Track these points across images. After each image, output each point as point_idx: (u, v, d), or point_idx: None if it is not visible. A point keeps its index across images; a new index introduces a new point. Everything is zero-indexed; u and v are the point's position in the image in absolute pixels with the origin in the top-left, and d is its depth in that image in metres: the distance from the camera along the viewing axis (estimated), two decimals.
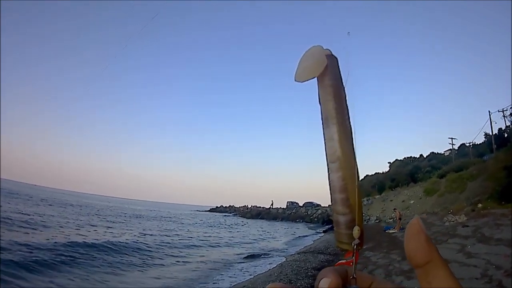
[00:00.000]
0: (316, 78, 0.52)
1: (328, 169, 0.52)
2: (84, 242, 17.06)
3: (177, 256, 18.15)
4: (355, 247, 0.50)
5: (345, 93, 0.52)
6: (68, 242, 16.35)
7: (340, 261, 0.51)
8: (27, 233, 17.98)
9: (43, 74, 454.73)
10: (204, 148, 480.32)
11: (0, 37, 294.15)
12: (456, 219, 19.73)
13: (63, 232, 20.54)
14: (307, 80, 0.52)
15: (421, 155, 63.73)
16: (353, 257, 0.50)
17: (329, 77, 0.52)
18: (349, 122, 0.51)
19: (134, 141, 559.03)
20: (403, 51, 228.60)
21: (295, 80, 0.53)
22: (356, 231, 0.50)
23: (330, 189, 0.52)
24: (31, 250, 13.53)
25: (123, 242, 18.85)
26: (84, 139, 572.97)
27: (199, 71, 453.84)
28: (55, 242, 15.85)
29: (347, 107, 0.52)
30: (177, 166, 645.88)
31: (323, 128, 0.52)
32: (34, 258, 12.42)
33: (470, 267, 9.58)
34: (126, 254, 16.49)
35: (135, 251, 17.43)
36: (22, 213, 26.44)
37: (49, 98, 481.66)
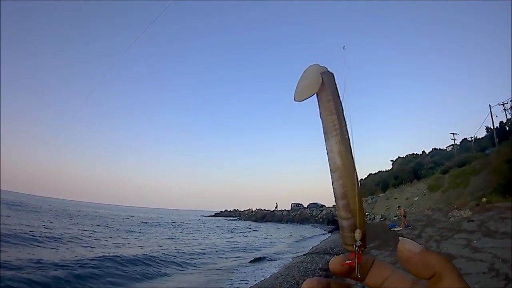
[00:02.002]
0: (316, 95, 0.57)
1: (331, 178, 0.56)
2: (95, 256, 16.61)
3: (181, 264, 18.00)
4: (356, 248, 0.54)
5: (342, 106, 0.56)
6: (82, 257, 15.91)
7: (345, 262, 0.55)
8: (33, 246, 17.87)
9: (43, 83, 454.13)
10: (206, 153, 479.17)
11: (0, 42, 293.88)
12: (461, 214, 19.69)
13: (75, 245, 20.26)
14: (306, 99, 0.57)
15: (423, 152, 63.69)
16: (356, 258, 0.54)
17: (325, 93, 0.56)
18: (347, 134, 0.55)
19: (134, 148, 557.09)
20: (403, 48, 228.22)
21: (295, 100, 0.58)
22: (357, 234, 0.54)
23: (334, 196, 0.56)
24: (43, 266, 13.21)
25: (130, 255, 18.55)
26: (83, 147, 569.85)
27: (198, 76, 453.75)
28: (67, 257, 15.58)
29: (344, 120, 0.56)
30: (180, 171, 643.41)
31: (325, 141, 0.57)
32: (43, 275, 12.14)
33: (477, 261, 9.55)
34: (136, 265, 16.11)
35: (144, 262, 16.94)
36: (28, 225, 26.26)
37: (48, 106, 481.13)
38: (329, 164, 0.56)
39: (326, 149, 0.57)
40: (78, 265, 14.22)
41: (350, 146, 0.56)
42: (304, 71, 0.59)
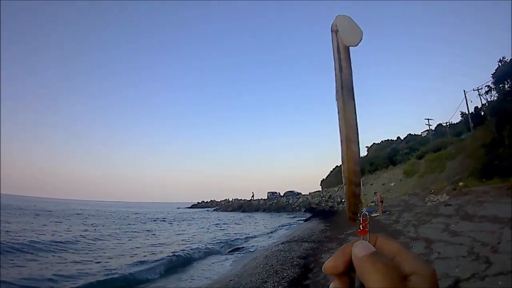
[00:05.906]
0: (340, 46, 0.52)
1: (346, 141, 0.52)
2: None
3: (157, 258, 17.19)
4: (366, 214, 0.57)
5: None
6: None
7: (359, 230, 0.57)
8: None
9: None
10: (181, 145, 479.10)
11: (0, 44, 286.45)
12: (438, 199, 19.87)
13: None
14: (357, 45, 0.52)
15: (398, 137, 64.65)
16: (368, 223, 0.57)
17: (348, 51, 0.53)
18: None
19: (107, 141, 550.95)
20: (377, 34, 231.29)
21: (353, 45, 0.52)
22: (364, 200, 0.56)
23: (347, 163, 0.53)
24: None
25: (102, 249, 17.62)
26: (54, 144, 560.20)
27: (178, 66, 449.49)
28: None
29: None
30: (155, 164, 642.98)
31: (342, 99, 0.52)
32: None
33: (456, 245, 9.50)
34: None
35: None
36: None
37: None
38: (348, 125, 0.52)
39: (342, 108, 0.52)
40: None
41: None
42: (348, 19, 0.53)
